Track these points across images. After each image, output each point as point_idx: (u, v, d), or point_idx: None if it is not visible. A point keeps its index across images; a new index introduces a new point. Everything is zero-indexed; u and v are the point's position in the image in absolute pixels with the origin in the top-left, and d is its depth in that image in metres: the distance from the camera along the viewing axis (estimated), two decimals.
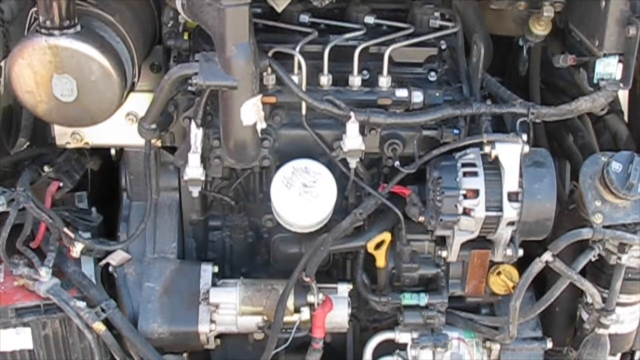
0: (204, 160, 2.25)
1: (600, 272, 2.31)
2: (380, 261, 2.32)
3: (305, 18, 2.34)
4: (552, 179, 2.17)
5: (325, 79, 2.25)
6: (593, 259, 2.23)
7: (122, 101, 2.16)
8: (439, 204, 2.16)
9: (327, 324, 2.31)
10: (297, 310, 2.31)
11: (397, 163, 2.25)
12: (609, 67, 2.13)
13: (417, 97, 2.25)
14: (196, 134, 2.19)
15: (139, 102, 2.28)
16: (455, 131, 2.26)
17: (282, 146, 2.32)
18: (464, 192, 2.15)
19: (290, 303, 2.30)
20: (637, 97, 2.63)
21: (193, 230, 2.51)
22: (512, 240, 2.22)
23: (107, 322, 2.25)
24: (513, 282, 2.33)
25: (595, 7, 2.11)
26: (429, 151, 2.24)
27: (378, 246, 2.30)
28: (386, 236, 2.30)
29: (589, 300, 2.31)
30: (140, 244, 2.40)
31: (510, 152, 2.14)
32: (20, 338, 2.27)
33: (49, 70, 2.01)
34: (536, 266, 2.17)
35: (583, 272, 2.24)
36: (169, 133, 2.33)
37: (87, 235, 2.35)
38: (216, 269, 2.39)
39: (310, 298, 2.30)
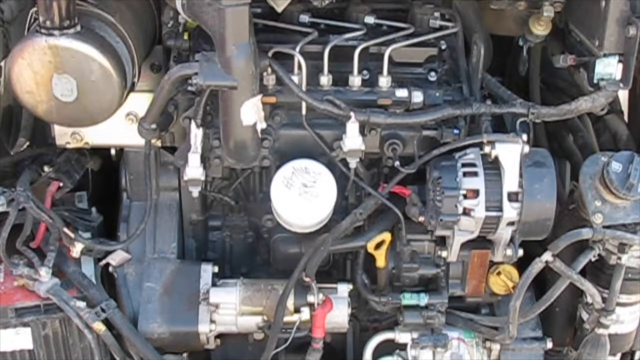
0: (204, 160, 2.25)
1: (600, 272, 2.31)
2: (380, 261, 2.32)
3: (305, 18, 2.34)
4: (552, 179, 2.17)
5: (325, 79, 2.24)
6: (593, 259, 2.23)
7: (122, 101, 2.16)
8: (439, 204, 2.16)
9: (327, 324, 2.31)
10: (297, 310, 2.31)
11: (397, 163, 2.24)
12: (609, 67, 2.13)
13: (417, 97, 2.25)
14: (196, 134, 2.19)
15: (139, 102, 2.28)
16: (455, 131, 2.26)
17: (282, 146, 2.32)
18: (464, 192, 2.15)
19: (290, 303, 2.30)
20: (637, 97, 2.63)
21: (193, 230, 2.51)
22: (512, 240, 2.22)
23: (107, 322, 2.25)
24: (513, 282, 2.33)
25: (595, 7, 2.11)
26: (429, 151, 2.24)
27: (378, 246, 2.30)
28: (386, 236, 2.30)
29: (589, 300, 2.31)
30: (140, 244, 2.40)
31: (510, 152, 2.14)
32: (20, 338, 2.26)
33: (49, 70, 2.02)
34: (536, 266, 2.17)
35: (583, 272, 2.24)
36: (169, 133, 2.34)
37: (87, 235, 2.35)
38: (216, 269, 2.39)
39: (310, 298, 2.30)
